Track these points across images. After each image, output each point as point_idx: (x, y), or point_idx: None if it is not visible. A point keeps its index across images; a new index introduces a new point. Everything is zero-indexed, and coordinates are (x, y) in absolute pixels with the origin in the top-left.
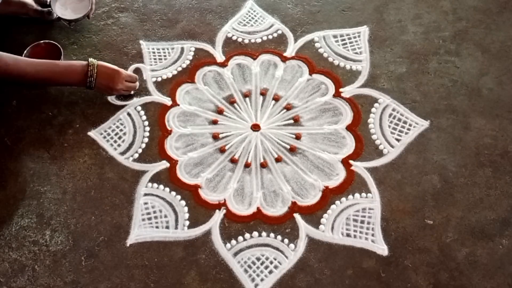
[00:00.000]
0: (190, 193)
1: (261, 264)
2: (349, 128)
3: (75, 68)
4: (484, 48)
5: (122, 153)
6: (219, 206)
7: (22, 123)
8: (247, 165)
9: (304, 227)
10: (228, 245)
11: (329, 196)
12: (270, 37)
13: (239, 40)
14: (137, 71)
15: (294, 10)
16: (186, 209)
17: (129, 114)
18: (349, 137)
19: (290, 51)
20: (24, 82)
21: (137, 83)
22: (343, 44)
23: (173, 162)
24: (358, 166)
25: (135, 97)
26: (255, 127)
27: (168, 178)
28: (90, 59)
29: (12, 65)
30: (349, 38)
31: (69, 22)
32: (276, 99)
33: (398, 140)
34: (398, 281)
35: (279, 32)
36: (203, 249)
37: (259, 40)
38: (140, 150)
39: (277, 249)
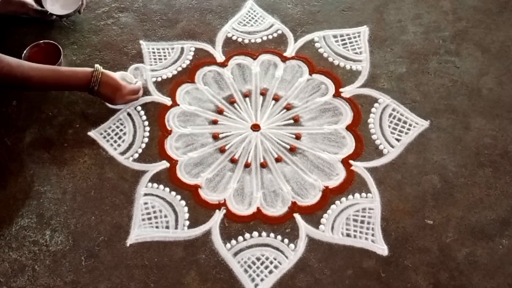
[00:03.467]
0: (190, 193)
1: (261, 264)
2: (349, 128)
3: (79, 74)
4: (484, 48)
5: (122, 153)
6: (219, 206)
7: (22, 123)
8: (247, 165)
9: (304, 227)
10: (228, 245)
11: (329, 196)
12: (270, 37)
13: (239, 40)
14: (137, 71)
15: (294, 10)
16: (186, 209)
17: (129, 114)
18: (349, 137)
19: (290, 51)
20: (26, 87)
21: (140, 93)
22: (343, 44)
23: (173, 162)
24: (358, 166)
25: None
26: (255, 127)
27: (168, 178)
28: (96, 65)
29: (15, 68)
30: (349, 38)
31: (61, 18)
32: (276, 99)
33: (398, 140)
34: (398, 281)
35: (279, 32)
36: (203, 249)
37: (259, 40)
38: (140, 150)
39: (277, 249)
